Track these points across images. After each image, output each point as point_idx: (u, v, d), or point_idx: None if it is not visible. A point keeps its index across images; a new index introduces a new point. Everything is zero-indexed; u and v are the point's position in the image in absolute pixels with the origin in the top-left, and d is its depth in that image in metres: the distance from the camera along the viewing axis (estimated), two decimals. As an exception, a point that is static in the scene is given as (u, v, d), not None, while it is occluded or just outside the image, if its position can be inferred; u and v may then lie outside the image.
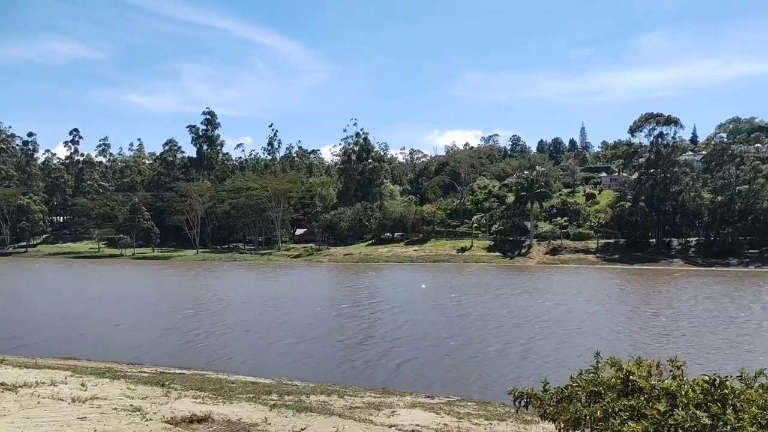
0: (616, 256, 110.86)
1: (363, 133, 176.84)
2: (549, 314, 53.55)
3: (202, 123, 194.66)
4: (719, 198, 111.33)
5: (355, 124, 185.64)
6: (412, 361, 37.02)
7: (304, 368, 34.88)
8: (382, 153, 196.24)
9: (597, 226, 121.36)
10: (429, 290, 75.07)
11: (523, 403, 9.48)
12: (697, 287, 74.59)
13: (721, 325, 47.56)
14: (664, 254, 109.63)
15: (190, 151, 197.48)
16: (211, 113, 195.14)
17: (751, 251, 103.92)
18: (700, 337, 43.05)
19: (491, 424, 20.91)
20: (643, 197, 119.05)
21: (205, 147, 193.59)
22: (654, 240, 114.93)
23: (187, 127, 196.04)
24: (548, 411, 9.15)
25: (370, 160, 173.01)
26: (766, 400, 7.66)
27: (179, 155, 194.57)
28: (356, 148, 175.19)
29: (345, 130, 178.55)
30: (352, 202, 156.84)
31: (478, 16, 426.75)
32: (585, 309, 57.19)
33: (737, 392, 7.91)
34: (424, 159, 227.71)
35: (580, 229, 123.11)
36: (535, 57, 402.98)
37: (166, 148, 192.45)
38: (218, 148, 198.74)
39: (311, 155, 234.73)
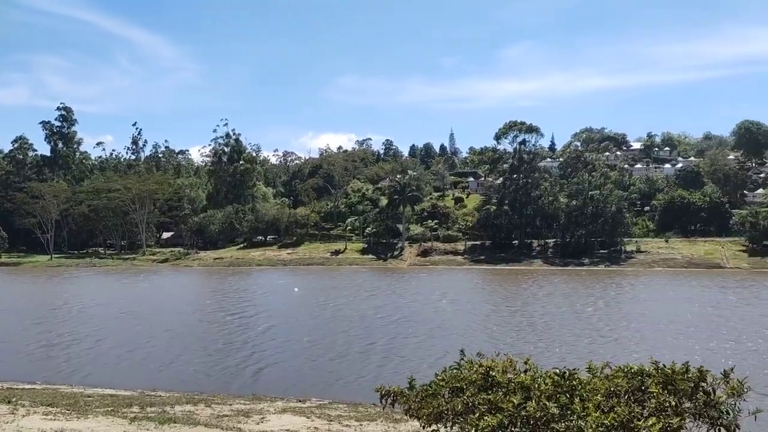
0: (483, 257, 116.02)
1: (234, 133, 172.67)
2: (416, 314, 55.04)
3: (56, 119, 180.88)
4: (574, 202, 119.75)
5: (225, 124, 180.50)
6: (283, 364, 36.56)
7: (169, 378, 33.35)
8: (254, 154, 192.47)
9: (465, 229, 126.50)
10: (303, 294, 74.58)
11: (389, 401, 9.57)
12: (553, 285, 79.76)
13: (570, 319, 51.12)
14: (526, 255, 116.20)
15: (44, 149, 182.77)
16: (66, 109, 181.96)
17: (601, 251, 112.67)
18: (551, 331, 45.93)
19: (361, 425, 21.01)
20: (507, 201, 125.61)
21: (60, 145, 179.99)
22: (517, 241, 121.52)
23: (40, 123, 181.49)
24: (413, 407, 9.29)
25: (241, 162, 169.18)
26: (609, 389, 8.21)
27: (31, 153, 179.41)
28: (227, 149, 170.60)
29: (215, 131, 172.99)
30: (223, 204, 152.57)
31: (353, 20, 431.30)
32: (449, 308, 59.50)
33: (584, 383, 8.43)
34: (297, 161, 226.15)
35: (450, 232, 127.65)
36: (408, 63, 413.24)
37: (16, 145, 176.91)
38: (75, 146, 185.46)
39: (179, 156, 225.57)
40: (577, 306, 59.45)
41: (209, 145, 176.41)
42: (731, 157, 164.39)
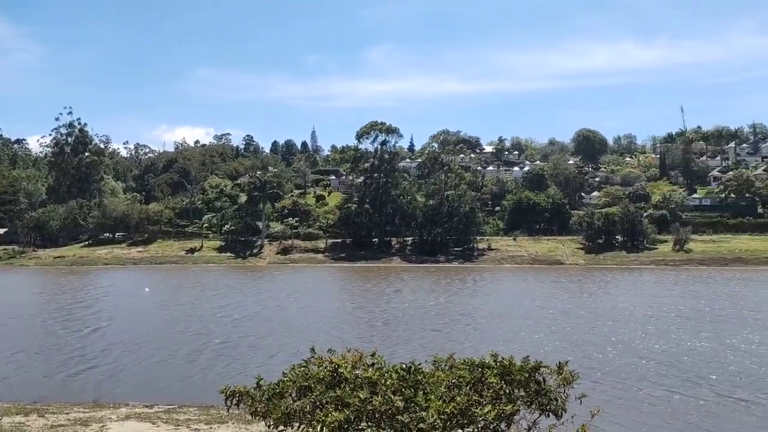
0: (343, 254, 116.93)
1: (79, 123, 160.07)
2: (272, 313, 54.50)
3: None
4: (431, 201, 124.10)
5: (70, 112, 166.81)
6: (127, 369, 34.48)
7: (-5, 388, 30.22)
8: (102, 146, 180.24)
9: (326, 227, 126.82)
10: (153, 295, 70.94)
11: (234, 402, 9.26)
12: (406, 282, 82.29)
13: (418, 314, 52.99)
14: (385, 252, 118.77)
15: None
16: None
17: (456, 249, 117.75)
18: (397, 326, 47.25)
19: (211, 428, 20.27)
20: (367, 199, 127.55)
21: None
22: (377, 239, 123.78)
23: None
24: (259, 408, 9.02)
25: (87, 154, 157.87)
26: (451, 380, 8.48)
27: None
28: (71, 140, 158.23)
29: (58, 119, 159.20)
30: (66, 198, 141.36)
31: (214, 10, 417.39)
32: (294, 306, 59.42)
33: (428, 376, 8.65)
34: (151, 155, 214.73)
35: (311, 230, 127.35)
36: (271, 58, 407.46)
37: None
38: None
39: (15, 145, 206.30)
40: (420, 300, 61.82)
41: (50, 134, 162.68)
42: (571, 161, 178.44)
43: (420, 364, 8.83)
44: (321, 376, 9.14)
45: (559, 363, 8.29)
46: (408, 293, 69.47)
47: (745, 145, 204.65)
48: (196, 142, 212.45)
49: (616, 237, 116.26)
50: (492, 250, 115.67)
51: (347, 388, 8.71)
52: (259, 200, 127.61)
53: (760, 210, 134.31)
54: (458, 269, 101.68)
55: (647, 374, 30.89)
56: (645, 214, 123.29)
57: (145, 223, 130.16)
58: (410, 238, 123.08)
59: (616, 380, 29.79)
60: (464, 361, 8.81)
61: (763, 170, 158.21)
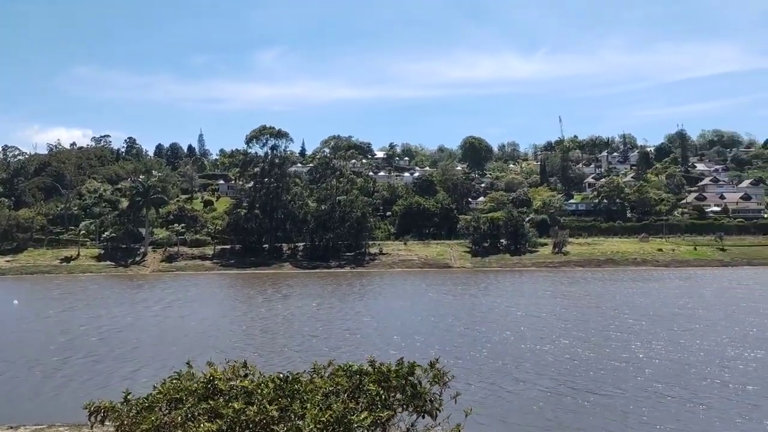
0: (233, 261, 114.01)
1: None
2: (147, 324, 52.22)
3: None
4: (323, 207, 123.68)
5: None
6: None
7: None
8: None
9: (214, 233, 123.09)
10: (22, 307, 65.85)
11: (99, 418, 8.72)
12: (294, 288, 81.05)
13: (301, 320, 52.57)
14: (276, 258, 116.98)
15: None
16: None
17: (347, 254, 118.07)
18: (277, 334, 46.63)
19: (82, 448, 18.98)
20: (257, 205, 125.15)
21: None
22: (267, 245, 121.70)
23: None
24: (126, 423, 8.51)
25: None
26: (329, 388, 8.33)
27: None
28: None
29: None
30: None
31: (92, 6, 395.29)
32: (180, 314, 57.56)
33: (305, 384, 8.46)
34: (21, 157, 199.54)
35: (198, 236, 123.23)
36: (155, 58, 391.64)
37: None
38: None
39: None
40: (306, 307, 61.30)
41: None
42: (459, 168, 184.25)
43: (298, 373, 8.64)
44: (193, 388, 8.79)
45: (431, 361, 8.39)
46: (295, 299, 68.65)
47: (616, 153, 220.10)
48: (73, 144, 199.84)
49: (501, 240, 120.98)
50: (383, 254, 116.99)
51: (221, 400, 8.41)
52: (142, 206, 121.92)
53: (629, 214, 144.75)
54: (349, 274, 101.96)
55: (516, 373, 32.15)
56: (527, 219, 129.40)
57: (14, 230, 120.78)
58: (302, 244, 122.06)
59: (487, 380, 30.80)
60: (343, 367, 8.70)
61: (632, 177, 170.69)
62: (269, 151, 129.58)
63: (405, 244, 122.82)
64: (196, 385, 8.75)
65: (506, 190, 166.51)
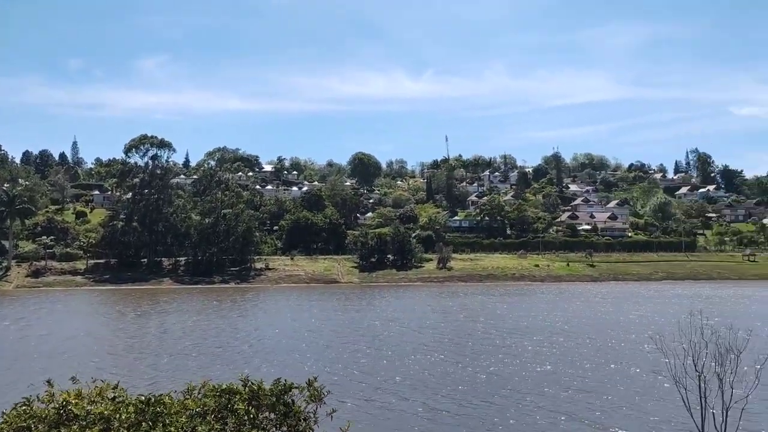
0: (107, 276, 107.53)
1: None
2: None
3: None
4: (207, 220, 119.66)
5: None
6: None
7: None
8: None
9: (88, 246, 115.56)
10: None
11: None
12: (172, 305, 77.67)
13: (175, 339, 50.09)
14: (156, 273, 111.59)
15: None
16: None
17: (232, 269, 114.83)
18: (147, 354, 44.01)
19: None
20: (136, 217, 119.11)
21: None
22: (146, 260, 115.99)
23: None
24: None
25: None
26: (196, 409, 7.79)
27: None
28: None
29: None
30: None
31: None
32: (40, 334, 52.82)
33: (169, 406, 7.86)
34: None
35: (69, 249, 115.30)
36: (25, 59, 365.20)
37: None
38: None
39: None
40: (182, 325, 58.52)
41: None
42: (348, 183, 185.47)
43: (162, 394, 8.02)
44: (44, 415, 8.00)
45: (309, 380, 8.12)
46: (172, 316, 65.48)
47: (497, 173, 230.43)
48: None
49: (388, 256, 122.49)
50: (270, 269, 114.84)
51: (75, 426, 7.70)
52: (6, 216, 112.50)
53: (509, 231, 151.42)
54: (233, 290, 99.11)
55: (392, 388, 32.13)
56: (413, 235, 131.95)
57: None
58: (183, 258, 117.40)
59: (364, 396, 30.66)
60: (213, 387, 8.19)
61: (512, 196, 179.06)
62: (150, 162, 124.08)
63: (292, 259, 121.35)
64: (47, 411, 8.03)
65: (394, 206, 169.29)
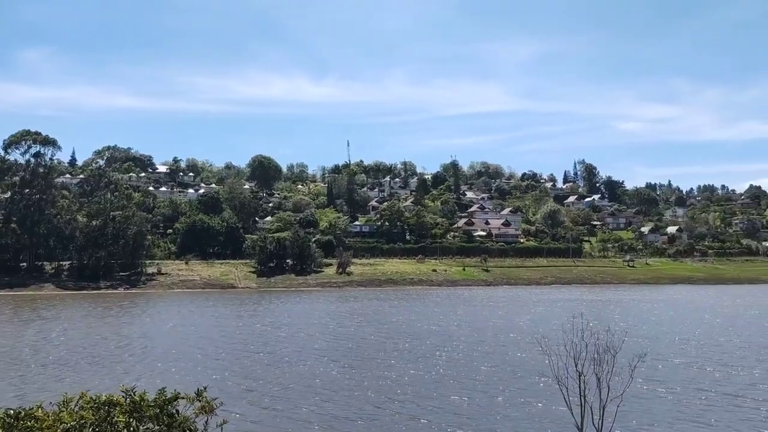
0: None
1: None
2: None
3: None
4: (94, 222, 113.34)
5: None
6: None
7: None
8: None
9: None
10: None
11: None
12: (51, 311, 72.47)
13: (54, 348, 47.06)
14: (36, 278, 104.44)
15: None
16: None
17: (121, 274, 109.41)
18: (21, 364, 41.24)
19: None
20: (15, 218, 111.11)
21: None
22: (25, 263, 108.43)
23: None
24: None
25: None
26: (71, 423, 7.36)
27: None
28: None
29: None
30: None
31: None
32: None
33: (42, 420, 7.37)
34: None
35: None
36: None
37: None
38: None
39: None
40: (62, 333, 54.51)
41: None
42: (247, 186, 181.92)
43: (32, 408, 7.50)
44: None
45: (198, 390, 7.84)
46: (53, 323, 61.14)
47: (398, 179, 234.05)
48: None
49: (287, 261, 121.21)
50: (162, 274, 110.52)
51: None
52: None
53: (408, 237, 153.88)
54: (122, 296, 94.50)
55: (284, 395, 31.40)
56: (313, 239, 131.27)
57: None
58: (68, 263, 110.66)
59: (258, 404, 29.96)
60: (91, 399, 7.75)
61: (411, 202, 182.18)
62: (32, 159, 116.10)
63: (186, 263, 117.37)
64: None
65: (294, 210, 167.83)
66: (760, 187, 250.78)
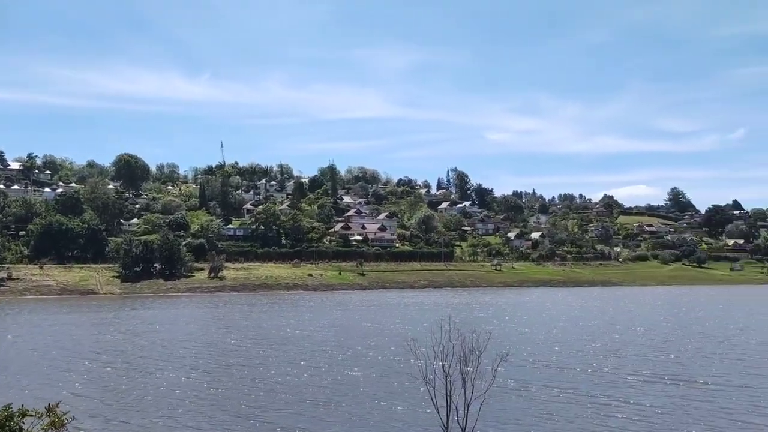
0: None
1: None
2: None
3: None
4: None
5: None
6: None
7: None
8: None
9: None
10: None
11: None
12: None
13: None
14: None
15: None
16: None
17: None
18: None
19: None
20: None
21: None
22: None
23: None
24: None
25: None
26: None
27: None
28: None
29: None
30: None
31: None
32: None
33: None
34: None
35: None
36: None
37: None
38: None
39: None
40: None
41: None
42: (111, 186, 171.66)
43: None
44: None
45: (49, 405, 7.24)
46: None
47: (274, 182, 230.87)
48: None
49: (155, 265, 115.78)
50: (13, 279, 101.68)
51: None
52: None
53: (284, 241, 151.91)
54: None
55: (133, 407, 29.71)
56: (184, 243, 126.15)
57: None
58: None
59: (115, 417, 28.16)
60: None
61: (288, 206, 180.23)
62: None
63: (41, 267, 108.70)
64: None
65: (163, 212, 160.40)
66: (612, 197, 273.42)
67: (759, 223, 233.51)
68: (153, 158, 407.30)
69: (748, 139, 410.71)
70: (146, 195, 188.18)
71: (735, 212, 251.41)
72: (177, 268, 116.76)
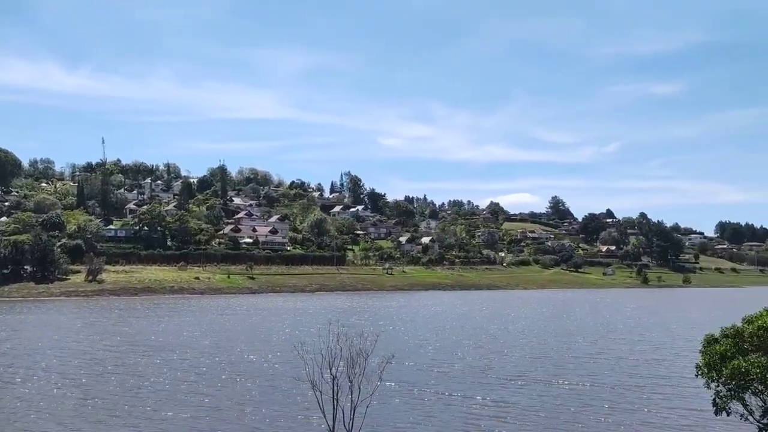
0: None
1: None
2: None
3: None
4: None
5: None
6: None
7: None
8: None
9: None
10: None
11: None
12: None
13: None
14: None
15: None
16: None
17: None
18: None
19: None
20: None
21: None
22: None
23: None
24: None
25: None
26: None
27: None
28: None
29: None
30: None
31: None
32: None
33: None
34: None
35: None
36: None
37: None
38: None
39: None
40: None
41: None
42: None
43: None
44: None
45: None
46: None
47: (160, 181, 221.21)
48: None
49: (26, 267, 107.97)
50: None
51: None
52: None
53: (169, 242, 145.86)
54: None
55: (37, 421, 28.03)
56: (59, 244, 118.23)
57: None
58: None
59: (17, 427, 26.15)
60: None
61: (174, 206, 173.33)
62: None
63: None
64: None
65: (36, 211, 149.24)
66: (498, 204, 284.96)
67: (629, 231, 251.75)
68: (26, 153, 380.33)
69: (621, 152, 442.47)
70: (17, 192, 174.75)
71: (608, 220, 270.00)
72: (50, 270, 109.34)
